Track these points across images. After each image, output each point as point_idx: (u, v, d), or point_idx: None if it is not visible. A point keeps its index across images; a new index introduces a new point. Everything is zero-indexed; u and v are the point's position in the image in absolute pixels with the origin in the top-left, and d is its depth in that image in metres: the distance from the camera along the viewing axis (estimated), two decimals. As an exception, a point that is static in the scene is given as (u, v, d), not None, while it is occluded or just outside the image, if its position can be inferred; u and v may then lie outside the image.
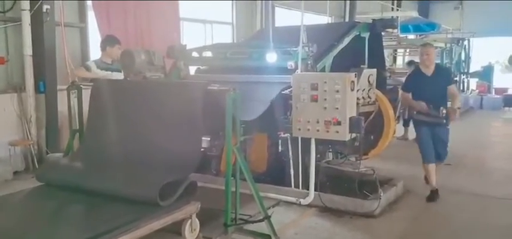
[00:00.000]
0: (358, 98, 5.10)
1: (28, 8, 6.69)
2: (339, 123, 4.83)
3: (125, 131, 4.47)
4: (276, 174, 5.73)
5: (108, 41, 6.42)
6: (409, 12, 17.39)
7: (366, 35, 7.57)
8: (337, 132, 4.85)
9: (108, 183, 4.10)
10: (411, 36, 17.20)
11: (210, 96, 4.44)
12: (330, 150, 5.98)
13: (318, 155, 5.73)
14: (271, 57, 5.47)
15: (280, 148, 5.65)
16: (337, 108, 4.82)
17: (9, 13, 6.79)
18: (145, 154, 4.22)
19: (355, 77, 4.95)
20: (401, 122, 9.30)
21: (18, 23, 6.73)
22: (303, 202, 5.23)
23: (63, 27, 7.28)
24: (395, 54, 19.18)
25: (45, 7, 6.77)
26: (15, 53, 6.85)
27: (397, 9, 17.82)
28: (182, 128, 4.20)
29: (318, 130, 4.95)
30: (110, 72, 6.04)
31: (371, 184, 5.43)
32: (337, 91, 4.80)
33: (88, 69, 5.99)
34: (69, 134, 5.17)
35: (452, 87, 5.90)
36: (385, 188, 5.47)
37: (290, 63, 5.55)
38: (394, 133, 9.22)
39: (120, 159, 4.30)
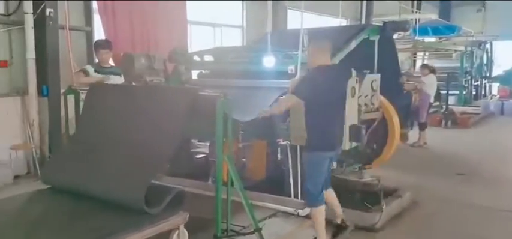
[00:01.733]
0: (360, 105, 4.88)
1: (31, 11, 6.65)
2: (338, 131, 4.60)
3: (110, 135, 4.34)
4: (275, 182, 5.53)
5: (95, 46, 6.35)
6: (429, 15, 16.97)
7: (376, 38, 7.32)
8: (336, 141, 4.62)
9: (92, 187, 3.98)
10: (432, 39, 16.82)
11: (205, 102, 4.28)
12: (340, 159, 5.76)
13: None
14: (269, 62, 5.27)
15: (279, 155, 5.45)
16: (336, 115, 4.59)
17: (13, 16, 6.77)
18: (124, 158, 4.09)
19: (357, 82, 4.72)
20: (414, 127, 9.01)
21: (22, 26, 6.70)
22: (301, 213, 4.98)
23: (67, 30, 7.29)
24: (415, 57, 18.79)
25: (48, 10, 6.72)
26: (18, 57, 6.82)
27: (417, 12, 17.39)
28: (158, 132, 4.05)
29: (317, 138, 4.73)
30: (107, 76, 5.93)
31: (375, 194, 5.19)
32: (336, 98, 4.57)
33: (86, 73, 5.90)
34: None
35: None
36: (389, 199, 5.21)
37: (290, 68, 5.35)
38: (407, 139, 9.01)
39: (103, 162, 4.18)
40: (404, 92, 8.64)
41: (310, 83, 4.02)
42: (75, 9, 7.65)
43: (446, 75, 12.28)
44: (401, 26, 7.11)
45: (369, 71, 5.04)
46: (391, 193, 5.46)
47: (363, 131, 4.59)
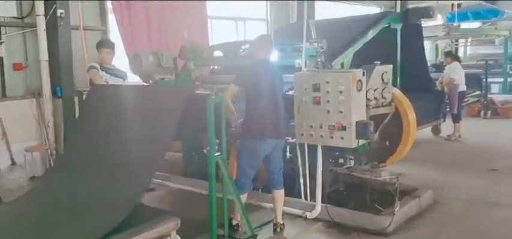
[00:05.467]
0: (369, 99, 4.50)
1: (43, 12, 6.66)
2: (343, 128, 4.27)
3: (105, 137, 4.20)
4: (286, 183, 5.25)
5: (97, 45, 6.12)
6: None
7: (398, 26, 6.89)
8: (342, 138, 4.29)
9: (84, 188, 3.86)
10: (473, 25, 15.77)
11: (199, 101, 4.06)
12: (350, 156, 5.40)
13: (332, 161, 5.20)
14: (273, 55, 4.98)
15: (288, 154, 5.16)
16: (341, 111, 4.26)
17: (27, 19, 6.81)
18: (118, 160, 3.92)
19: (364, 75, 4.34)
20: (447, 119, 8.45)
21: (35, 28, 6.71)
22: (309, 215, 4.71)
23: (82, 30, 7.28)
24: (457, 45, 17.77)
25: (59, 11, 6.70)
26: (33, 59, 6.86)
27: (458, -5, 16.34)
28: (152, 133, 3.85)
29: (321, 136, 4.42)
30: (108, 76, 5.79)
31: (391, 194, 4.80)
32: (341, 92, 4.24)
33: (97, 70, 5.78)
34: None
35: None
36: (405, 200, 4.80)
37: (298, 62, 5.06)
38: (439, 132, 8.43)
39: (97, 165, 4.05)
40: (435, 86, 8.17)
41: (246, 73, 4.24)
42: (90, 9, 7.62)
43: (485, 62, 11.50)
44: (425, 12, 6.63)
45: (379, 63, 4.64)
46: (410, 192, 5.04)
47: (371, 128, 4.21)
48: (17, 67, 6.78)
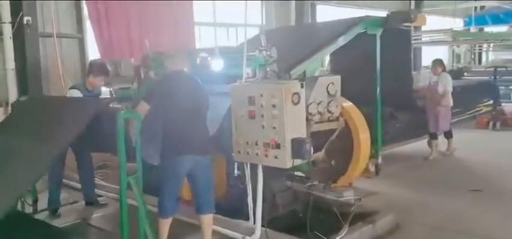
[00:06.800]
0: (311, 114, 4.07)
1: (9, 20, 6.53)
2: (278, 146, 3.85)
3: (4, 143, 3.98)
4: (237, 202, 4.86)
5: (93, 70, 5.40)
6: (491, 1, 15.03)
7: (377, 31, 6.37)
8: (276, 157, 3.87)
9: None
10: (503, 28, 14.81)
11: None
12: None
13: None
14: (217, 65, 4.63)
15: (236, 171, 4.77)
16: (274, 127, 3.85)
17: (-3, 27, 6.71)
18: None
19: (302, 87, 3.92)
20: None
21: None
22: (249, 240, 4.30)
23: (55, 38, 7.14)
24: (480, 49, 16.85)
25: (25, 19, 6.57)
26: (3, 68, 6.75)
27: (479, -3, 15.46)
28: (41, 144, 3.59)
29: (257, 154, 4.02)
30: None
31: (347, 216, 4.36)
32: (274, 106, 3.83)
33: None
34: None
35: None
36: (358, 225, 4.33)
37: (247, 71, 4.68)
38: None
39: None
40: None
41: (158, 87, 3.98)
42: (66, 16, 7.49)
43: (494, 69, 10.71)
44: (405, 17, 6.11)
45: (326, 73, 4.20)
46: (367, 216, 4.56)
47: (307, 146, 3.78)
48: (-16, 75, 6.70)
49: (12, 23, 6.55)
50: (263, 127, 3.93)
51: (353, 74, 7.06)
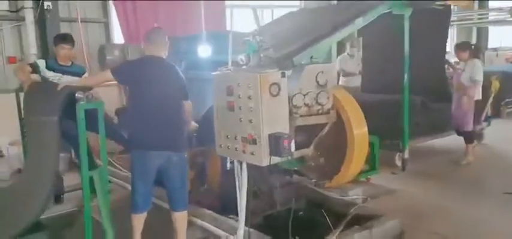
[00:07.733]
0: (296, 106, 3.66)
1: (31, 5, 6.65)
2: (254, 141, 3.50)
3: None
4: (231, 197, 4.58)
5: (54, 39, 5.21)
6: None
7: (405, 12, 5.74)
8: (253, 153, 3.52)
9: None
10: None
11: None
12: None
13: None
14: (205, 51, 4.32)
15: (228, 164, 4.47)
16: (250, 121, 3.49)
17: (21, 12, 6.86)
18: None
19: (283, 76, 3.51)
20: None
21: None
22: (232, 239, 4.01)
23: (79, 22, 7.20)
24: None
25: (46, 4, 6.64)
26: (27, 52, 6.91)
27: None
28: None
29: (236, 149, 3.69)
30: (60, 75, 5.31)
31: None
32: (249, 98, 3.47)
33: (34, 68, 5.27)
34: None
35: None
36: (354, 229, 3.88)
37: (241, 57, 4.33)
38: (482, 138, 6.91)
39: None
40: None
41: (130, 67, 3.73)
42: (91, 1, 7.52)
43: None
44: (435, -4, 5.43)
45: (313, 61, 3.75)
46: (369, 219, 4.09)
47: (285, 143, 3.38)
48: (11, 60, 6.88)
49: (35, 8, 6.68)
50: (240, 120, 3.59)
51: (387, 60, 6.51)
